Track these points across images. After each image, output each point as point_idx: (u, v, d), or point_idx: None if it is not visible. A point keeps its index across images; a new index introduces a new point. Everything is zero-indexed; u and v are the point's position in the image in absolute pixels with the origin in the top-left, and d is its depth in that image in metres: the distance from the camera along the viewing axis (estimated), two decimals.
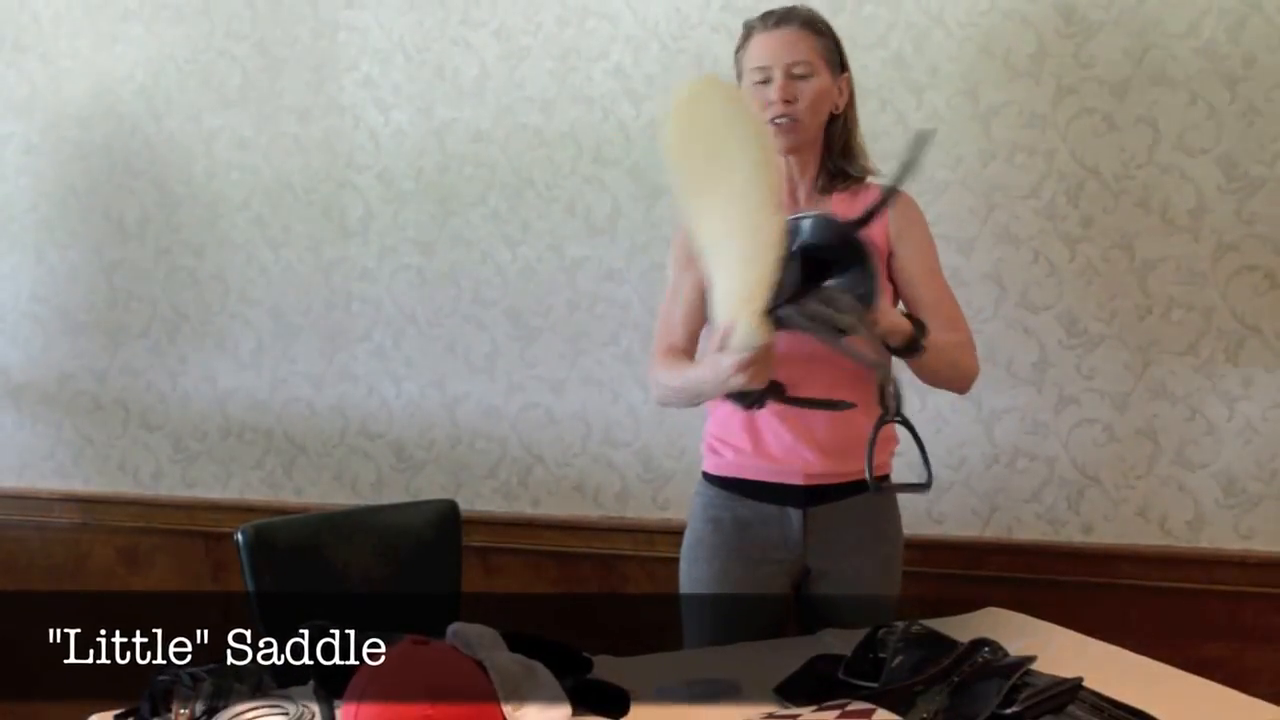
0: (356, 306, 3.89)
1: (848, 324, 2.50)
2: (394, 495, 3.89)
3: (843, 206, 2.90)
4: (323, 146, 3.87)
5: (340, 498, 3.98)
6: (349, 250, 3.87)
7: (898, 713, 2.15)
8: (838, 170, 2.89)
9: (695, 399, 2.81)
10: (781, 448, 2.85)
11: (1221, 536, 3.21)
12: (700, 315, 2.85)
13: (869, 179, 2.91)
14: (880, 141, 3.30)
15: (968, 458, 3.37)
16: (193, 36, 3.95)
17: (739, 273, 2.41)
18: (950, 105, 3.28)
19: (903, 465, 3.30)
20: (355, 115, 3.82)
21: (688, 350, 2.89)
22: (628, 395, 3.65)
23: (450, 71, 3.71)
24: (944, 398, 3.13)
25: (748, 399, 2.62)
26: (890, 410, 2.61)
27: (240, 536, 3.02)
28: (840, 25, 2.89)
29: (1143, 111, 3.16)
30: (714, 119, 2.47)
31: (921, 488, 2.71)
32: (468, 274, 3.76)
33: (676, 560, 2.98)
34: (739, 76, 2.85)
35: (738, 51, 2.85)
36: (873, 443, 2.62)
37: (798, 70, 2.78)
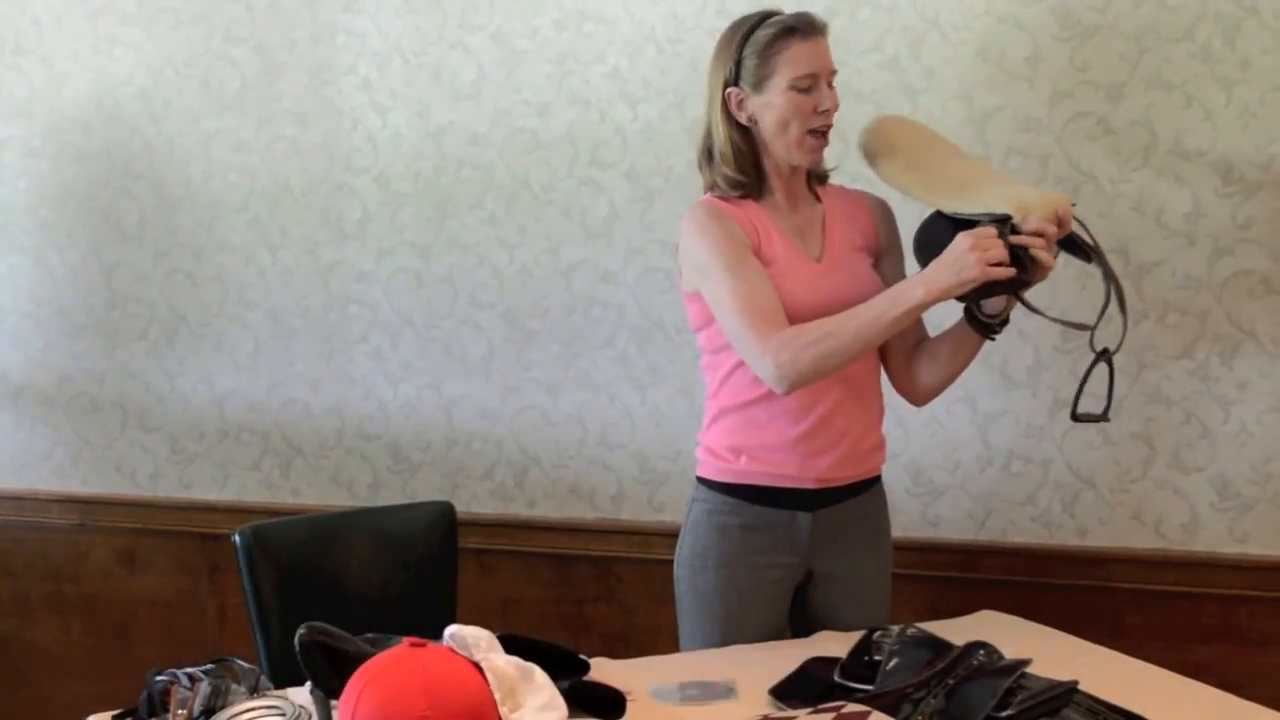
0: (354, 309, 3.90)
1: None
2: (390, 497, 3.90)
3: (837, 203, 2.96)
4: (320, 149, 3.88)
5: (337, 499, 3.99)
6: (346, 253, 3.88)
7: (893, 715, 2.17)
8: (812, 172, 2.95)
9: (861, 339, 2.66)
10: (798, 454, 2.85)
11: (1216, 540, 3.22)
12: (777, 294, 2.76)
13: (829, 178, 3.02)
14: None
15: (963, 461, 3.38)
16: (192, 40, 3.96)
17: (1018, 191, 2.66)
18: (945, 109, 3.29)
19: (896, 468, 3.33)
20: (353, 118, 3.83)
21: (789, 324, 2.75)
22: (624, 397, 3.66)
23: (448, 75, 3.72)
24: (940, 401, 3.14)
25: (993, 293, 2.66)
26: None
27: (237, 538, 3.03)
28: (837, 29, 2.90)
29: (1138, 115, 3.17)
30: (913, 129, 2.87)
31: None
32: (464, 276, 3.77)
33: (672, 562, 2.98)
34: (752, 78, 2.78)
35: (766, 52, 2.76)
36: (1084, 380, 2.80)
37: (831, 80, 2.80)
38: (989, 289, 2.59)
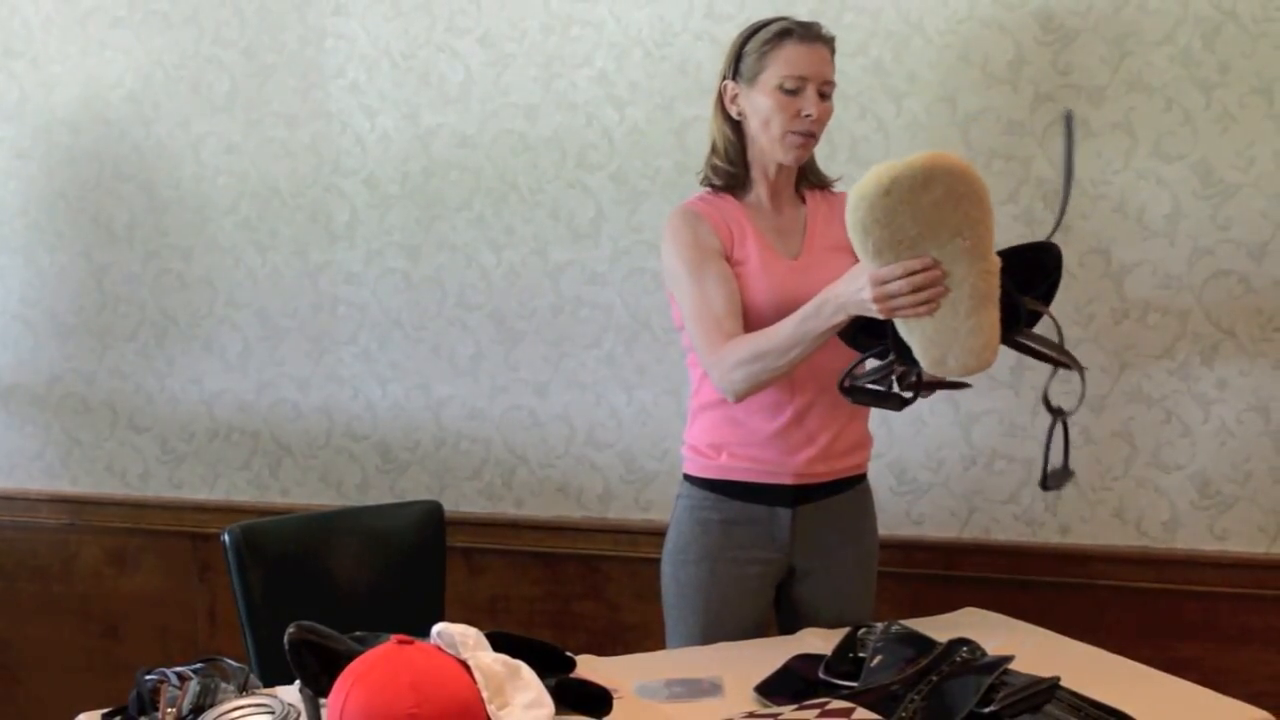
0: (343, 310, 3.91)
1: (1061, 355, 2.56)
2: (379, 496, 3.91)
3: (822, 204, 2.99)
4: (310, 151, 3.89)
5: (326, 499, 4.00)
6: (335, 254, 3.90)
7: (877, 712, 2.17)
8: (802, 176, 2.98)
9: (790, 353, 2.64)
10: (775, 450, 2.88)
11: (1197, 537, 3.25)
12: (738, 301, 2.80)
13: (834, 184, 3.05)
14: (860, 147, 3.35)
15: (946, 460, 3.40)
16: (181, 43, 3.97)
17: (964, 320, 2.40)
18: (929, 112, 3.31)
19: (880, 466, 3.35)
20: (342, 121, 3.84)
21: (743, 331, 2.78)
22: (610, 397, 3.67)
23: (436, 77, 3.74)
24: (924, 400, 3.16)
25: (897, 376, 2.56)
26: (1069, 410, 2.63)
27: (227, 537, 3.05)
28: None
29: (1119, 118, 3.19)
30: (944, 197, 2.33)
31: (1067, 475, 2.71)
32: (453, 278, 3.79)
33: (658, 560, 3.01)
34: (748, 73, 2.84)
35: (762, 49, 2.82)
36: (1049, 445, 2.65)
37: (825, 90, 2.83)
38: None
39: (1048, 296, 2.56)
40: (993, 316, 2.41)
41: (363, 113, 3.82)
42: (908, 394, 2.59)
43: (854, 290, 2.46)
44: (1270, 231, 3.11)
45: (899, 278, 2.37)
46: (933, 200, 2.32)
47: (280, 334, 3.99)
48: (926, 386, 2.61)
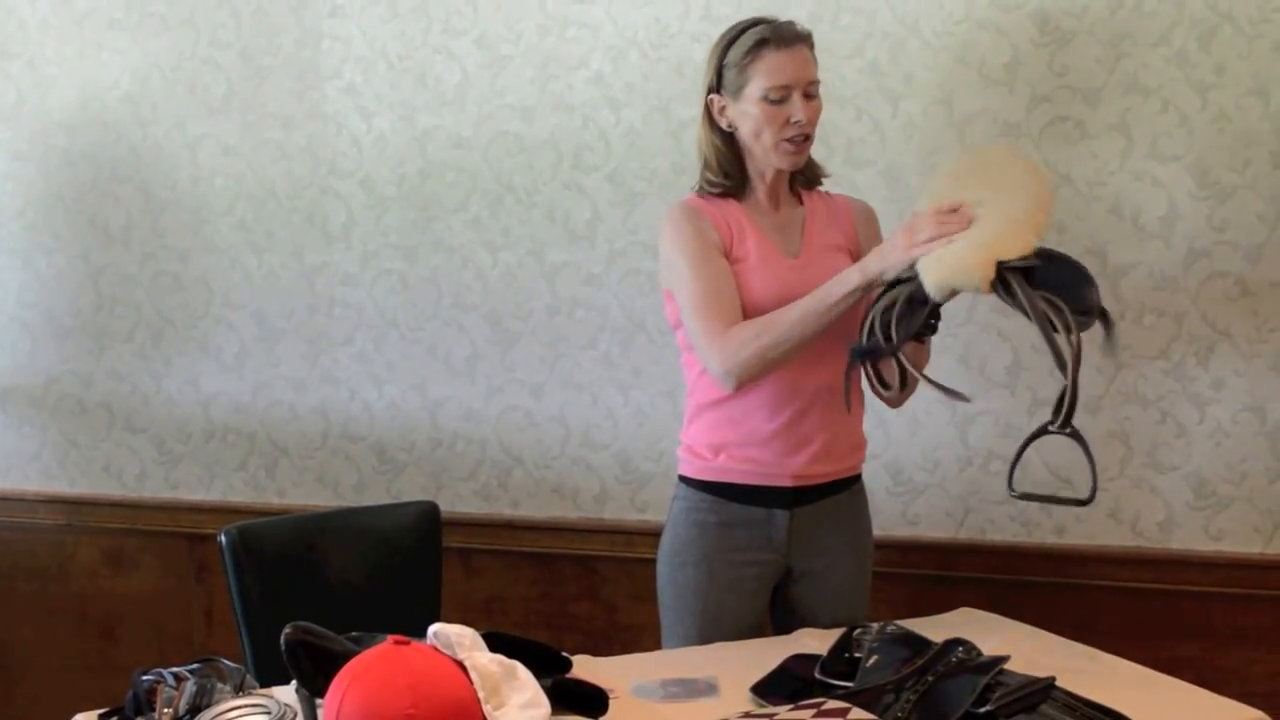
0: (339, 311, 3.92)
1: (1069, 326, 2.55)
2: (375, 497, 3.91)
3: (820, 205, 2.99)
4: (306, 153, 3.89)
5: (322, 499, 4.00)
6: (332, 255, 3.90)
7: (873, 712, 2.17)
8: (798, 173, 2.97)
9: (801, 325, 2.70)
10: (773, 451, 2.88)
11: (1192, 538, 3.24)
12: (739, 296, 2.81)
13: (822, 184, 3.05)
14: (856, 149, 3.35)
15: (942, 460, 3.40)
16: (178, 45, 3.97)
17: (989, 227, 2.55)
18: (925, 113, 3.31)
19: (877, 467, 3.35)
20: (338, 122, 3.85)
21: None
22: (606, 398, 3.67)
23: (432, 79, 3.74)
24: (920, 401, 3.16)
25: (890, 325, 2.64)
26: (1064, 420, 2.60)
27: (223, 538, 3.05)
28: (818, 35, 2.91)
29: (1115, 119, 3.19)
30: (1005, 167, 2.70)
31: (1078, 501, 2.72)
32: (449, 279, 3.79)
33: (654, 561, 3.01)
34: (731, 86, 2.82)
35: (742, 62, 2.80)
36: (1024, 449, 2.70)
37: (811, 90, 2.82)
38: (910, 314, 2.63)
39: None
40: (1000, 249, 2.53)
41: (359, 114, 3.82)
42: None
43: (883, 244, 2.67)
44: (1266, 233, 3.11)
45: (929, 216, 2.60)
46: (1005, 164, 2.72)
47: (277, 335, 3.99)
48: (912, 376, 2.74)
